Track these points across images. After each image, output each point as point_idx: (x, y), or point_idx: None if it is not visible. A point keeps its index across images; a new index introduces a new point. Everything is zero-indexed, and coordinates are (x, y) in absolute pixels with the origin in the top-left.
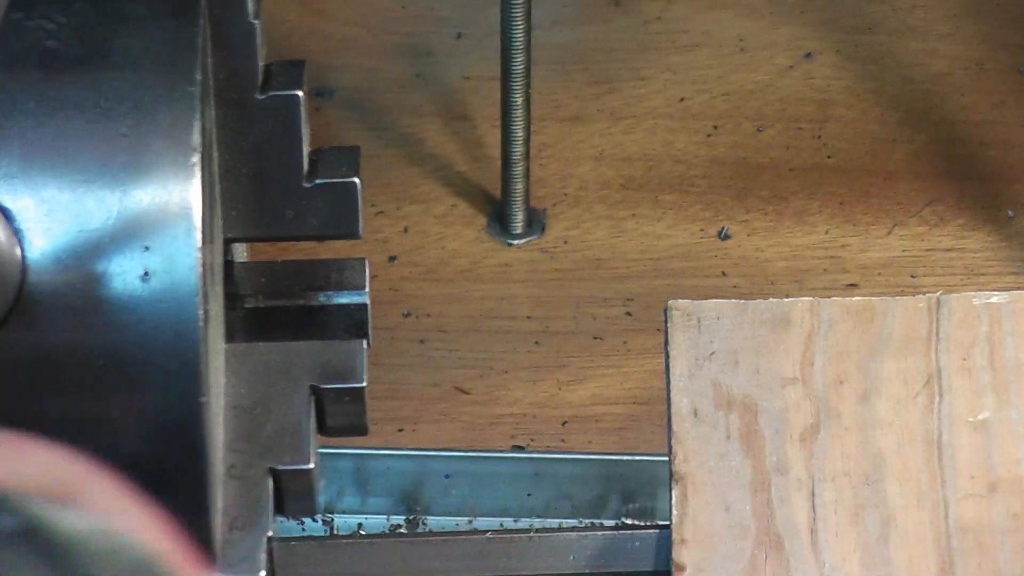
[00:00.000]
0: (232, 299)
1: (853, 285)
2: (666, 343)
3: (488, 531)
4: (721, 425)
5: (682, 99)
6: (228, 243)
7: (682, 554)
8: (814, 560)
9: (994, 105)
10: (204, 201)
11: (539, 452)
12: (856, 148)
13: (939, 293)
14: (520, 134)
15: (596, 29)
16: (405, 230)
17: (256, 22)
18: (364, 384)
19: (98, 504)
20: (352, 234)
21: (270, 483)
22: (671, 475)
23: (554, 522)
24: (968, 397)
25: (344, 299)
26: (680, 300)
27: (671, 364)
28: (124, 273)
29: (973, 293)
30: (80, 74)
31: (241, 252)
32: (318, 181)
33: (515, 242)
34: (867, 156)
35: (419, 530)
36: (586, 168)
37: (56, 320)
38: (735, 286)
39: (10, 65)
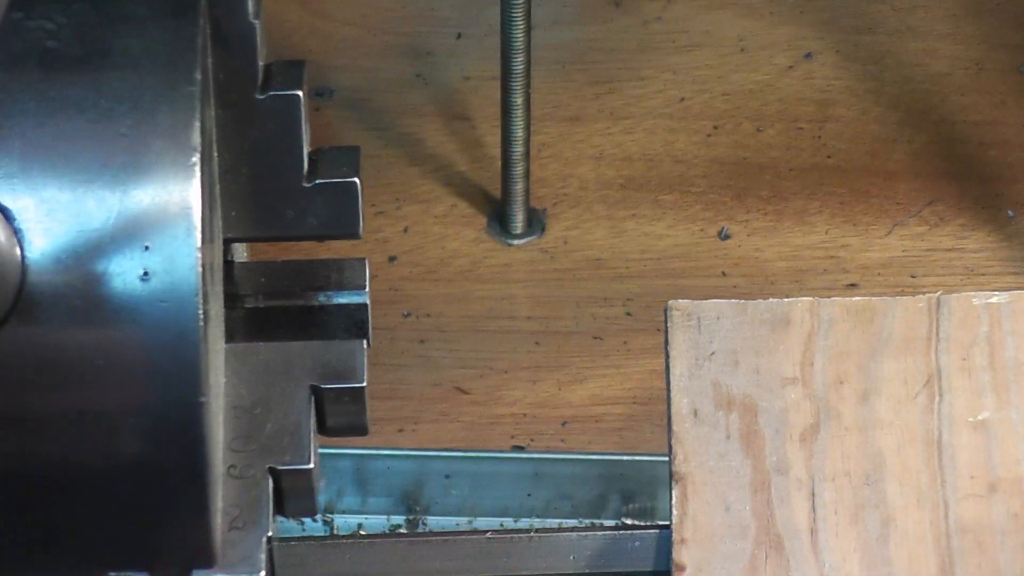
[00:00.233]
0: (232, 299)
1: (853, 285)
2: (666, 343)
3: (488, 531)
4: (721, 425)
5: (682, 99)
6: (228, 243)
7: (682, 554)
8: (814, 560)
9: (994, 105)
10: (204, 201)
11: (539, 452)
12: (856, 148)
13: (939, 293)
14: (520, 134)
15: (596, 29)
16: (405, 230)
17: (256, 22)
18: (364, 384)
19: None
20: (352, 234)
21: (270, 483)
22: (671, 475)
23: (554, 522)
24: (968, 397)
25: (344, 299)
26: (680, 300)
27: (671, 364)
28: (124, 273)
29: (973, 293)
30: (80, 74)
31: (241, 252)
32: (318, 181)
33: (515, 242)
34: (867, 156)
35: (419, 530)
36: (586, 168)
37: (56, 320)
38: (735, 286)
39: (10, 65)
